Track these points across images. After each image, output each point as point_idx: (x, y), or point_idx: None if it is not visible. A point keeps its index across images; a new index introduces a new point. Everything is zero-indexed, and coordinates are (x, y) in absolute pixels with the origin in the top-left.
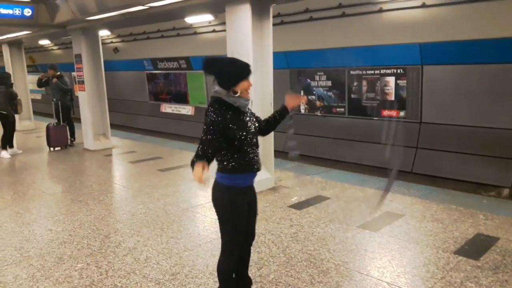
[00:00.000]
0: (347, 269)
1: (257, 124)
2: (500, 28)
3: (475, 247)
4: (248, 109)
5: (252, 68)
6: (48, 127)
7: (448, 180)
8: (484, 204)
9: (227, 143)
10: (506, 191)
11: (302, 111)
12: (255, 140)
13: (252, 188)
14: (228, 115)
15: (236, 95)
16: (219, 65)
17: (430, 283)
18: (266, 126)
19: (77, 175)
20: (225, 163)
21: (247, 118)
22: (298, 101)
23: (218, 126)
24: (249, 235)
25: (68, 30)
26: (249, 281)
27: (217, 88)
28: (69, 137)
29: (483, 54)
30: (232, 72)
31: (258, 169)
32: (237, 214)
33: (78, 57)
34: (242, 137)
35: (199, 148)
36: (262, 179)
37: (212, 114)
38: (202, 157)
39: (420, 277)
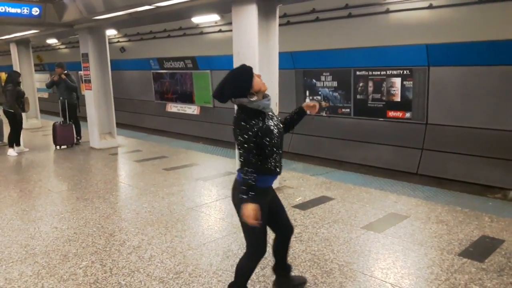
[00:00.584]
0: (351, 270)
1: (281, 125)
2: (507, 30)
3: (480, 249)
4: (270, 109)
5: (256, 69)
6: (54, 126)
7: (454, 181)
8: (489, 206)
9: (258, 148)
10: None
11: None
12: (279, 142)
13: (271, 188)
14: (255, 124)
15: (255, 98)
16: (227, 84)
17: (434, 285)
18: (285, 126)
19: (83, 174)
20: (249, 163)
21: (271, 122)
22: (314, 110)
23: (251, 141)
24: (285, 229)
25: (76, 29)
26: (288, 269)
27: (237, 100)
28: (75, 135)
29: (490, 55)
30: (240, 79)
31: (279, 172)
32: (261, 216)
33: (85, 56)
34: (267, 142)
35: (245, 171)
36: None
37: (244, 131)
38: (249, 180)
39: (424, 279)
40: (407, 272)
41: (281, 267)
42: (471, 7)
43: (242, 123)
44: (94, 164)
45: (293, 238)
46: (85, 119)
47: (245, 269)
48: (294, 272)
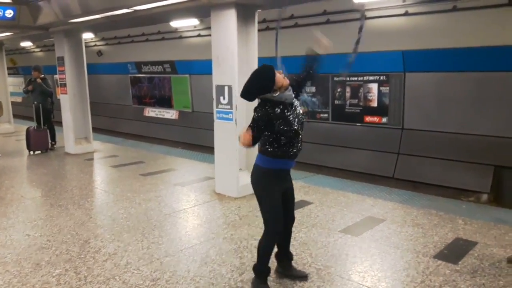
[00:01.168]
0: (329, 273)
1: (302, 116)
2: (480, 37)
3: (454, 252)
4: (295, 100)
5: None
6: (28, 131)
7: (429, 185)
8: (463, 209)
9: (274, 132)
10: (485, 197)
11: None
12: (297, 132)
13: (287, 173)
14: (272, 112)
15: (278, 93)
16: (252, 85)
17: (410, 287)
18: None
19: (58, 180)
20: (266, 146)
21: (291, 113)
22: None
23: (262, 123)
24: (288, 218)
25: (51, 32)
26: (290, 256)
27: (261, 97)
28: (49, 140)
29: (464, 62)
30: (264, 78)
31: (294, 157)
32: (272, 195)
33: (61, 59)
34: (285, 130)
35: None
36: (246, 184)
37: (257, 112)
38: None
39: (400, 281)
40: (384, 275)
41: (284, 254)
42: (445, 14)
43: (265, 107)
44: (69, 169)
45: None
46: (60, 124)
47: (265, 248)
48: (272, 277)
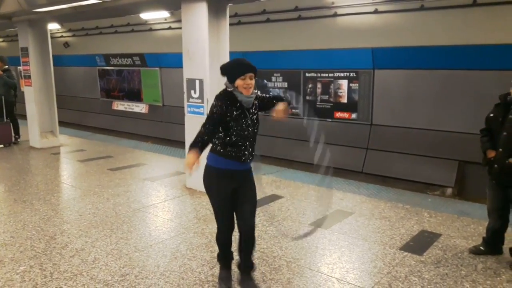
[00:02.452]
0: (298, 266)
1: (256, 121)
2: (446, 36)
3: (419, 243)
4: (254, 104)
5: (206, 67)
6: None
7: (397, 180)
8: (429, 202)
9: (223, 130)
10: (449, 191)
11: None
12: (249, 134)
13: (238, 174)
14: (229, 107)
15: (233, 89)
16: (227, 64)
17: (377, 278)
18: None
19: (22, 174)
20: (216, 145)
21: (248, 115)
22: (280, 116)
23: (216, 115)
24: (242, 221)
25: (14, 22)
26: (249, 265)
27: (225, 81)
28: (13, 134)
29: (432, 60)
30: (231, 69)
31: (244, 160)
32: (217, 195)
33: (25, 50)
34: (234, 129)
35: (199, 133)
36: None
37: (213, 104)
38: (197, 142)
39: (367, 273)
40: (352, 266)
41: (242, 261)
42: (413, 13)
43: (216, 100)
44: (34, 164)
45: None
46: (24, 117)
47: (218, 242)
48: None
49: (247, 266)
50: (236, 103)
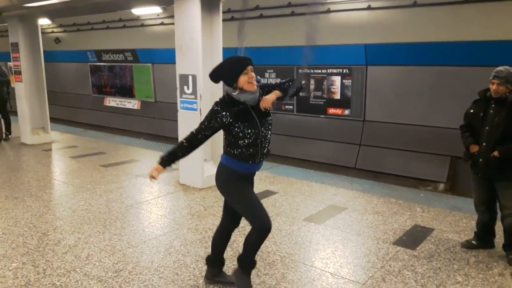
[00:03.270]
0: (293, 260)
1: (266, 116)
2: (440, 32)
3: (412, 238)
4: (260, 99)
5: (199, 63)
6: None
7: (389, 175)
8: (421, 197)
9: (230, 135)
10: (441, 186)
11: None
12: (261, 133)
13: (250, 176)
14: (236, 113)
15: (238, 92)
16: (219, 69)
17: (371, 272)
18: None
19: (13, 171)
20: (230, 148)
21: (256, 114)
22: (265, 105)
23: (215, 124)
24: (233, 219)
25: (4, 16)
26: (223, 261)
27: (225, 87)
28: (3, 130)
29: (424, 56)
30: (228, 70)
31: (259, 161)
32: (242, 189)
33: (15, 45)
34: (250, 134)
35: (192, 134)
36: (211, 175)
37: (212, 112)
38: (175, 155)
39: (361, 267)
40: (346, 261)
41: (218, 259)
42: (406, 9)
43: (216, 107)
44: (25, 160)
45: (237, 232)
46: (14, 113)
47: (253, 245)
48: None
49: (223, 261)
50: (239, 106)
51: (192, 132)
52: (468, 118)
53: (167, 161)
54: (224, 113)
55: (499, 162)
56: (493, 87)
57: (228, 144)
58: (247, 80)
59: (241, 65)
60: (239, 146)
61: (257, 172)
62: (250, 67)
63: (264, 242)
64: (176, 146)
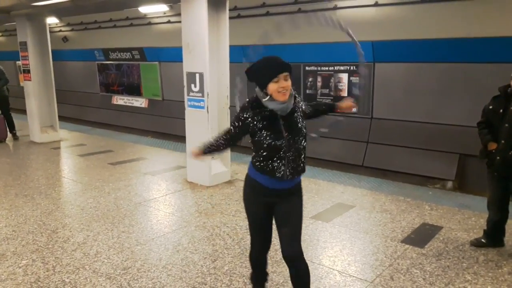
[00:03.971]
0: None
1: (298, 128)
2: (448, 29)
3: (421, 236)
4: (295, 109)
5: (206, 61)
6: None
7: (397, 173)
8: (429, 195)
9: (252, 142)
10: (450, 184)
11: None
12: (287, 146)
13: (275, 192)
14: (259, 119)
15: (267, 98)
16: (253, 68)
17: (379, 271)
18: (314, 114)
19: (22, 169)
20: (254, 159)
21: (284, 123)
22: (349, 109)
23: (238, 127)
24: (283, 245)
25: (12, 16)
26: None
27: (256, 88)
28: (7, 129)
29: (432, 53)
30: (260, 73)
31: (282, 178)
32: (249, 209)
33: (23, 44)
34: (265, 141)
35: (222, 136)
36: (218, 172)
37: (238, 113)
38: (211, 146)
39: (369, 265)
40: (354, 259)
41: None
42: (414, 6)
43: (241, 108)
44: (34, 158)
45: (244, 230)
46: (23, 111)
47: (250, 259)
48: (245, 264)
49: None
50: (265, 112)
51: (228, 128)
52: (487, 114)
53: (205, 149)
54: (246, 115)
55: None
56: None
57: (253, 153)
58: (277, 89)
59: (273, 71)
60: (259, 156)
61: None
62: (283, 75)
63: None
64: (215, 138)
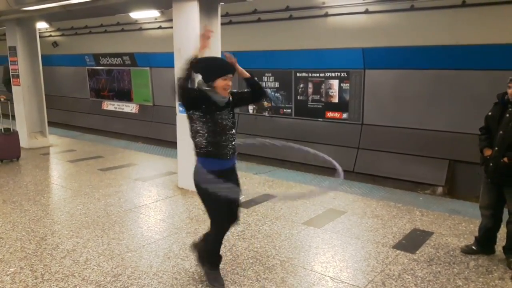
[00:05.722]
0: (292, 265)
1: (231, 118)
2: (437, 36)
3: (412, 242)
4: (228, 104)
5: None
6: None
7: (388, 179)
8: (420, 201)
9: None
10: (440, 189)
11: (250, 111)
12: (228, 131)
13: (229, 172)
14: (204, 100)
15: (210, 90)
16: (204, 62)
17: (371, 276)
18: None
19: (10, 175)
20: (200, 148)
21: (223, 113)
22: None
23: (198, 91)
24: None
25: (2, 20)
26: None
27: (199, 80)
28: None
29: (422, 60)
30: (212, 69)
31: (228, 156)
32: (210, 195)
33: (13, 49)
34: (209, 125)
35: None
36: None
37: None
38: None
39: (361, 271)
40: (345, 265)
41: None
42: (404, 13)
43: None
44: (23, 164)
45: (235, 236)
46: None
47: (211, 243)
48: (237, 270)
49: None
50: (211, 102)
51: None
52: (487, 121)
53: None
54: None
55: (508, 168)
56: (510, 91)
57: (198, 144)
58: (223, 86)
59: (226, 70)
60: (206, 141)
61: (255, 176)
62: (230, 76)
63: (264, 246)
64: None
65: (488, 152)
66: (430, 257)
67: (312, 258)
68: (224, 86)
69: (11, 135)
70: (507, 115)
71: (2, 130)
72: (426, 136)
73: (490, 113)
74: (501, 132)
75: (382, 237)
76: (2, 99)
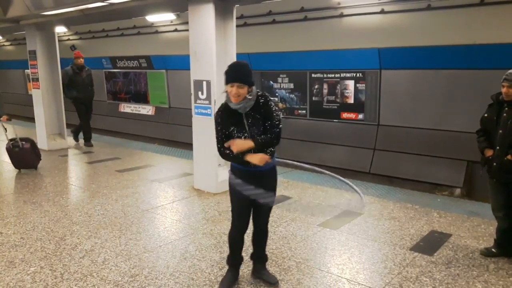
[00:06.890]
0: (308, 266)
1: (261, 127)
2: (454, 36)
3: (430, 244)
4: (256, 109)
5: (213, 69)
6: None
7: (405, 180)
8: (438, 202)
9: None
10: (458, 191)
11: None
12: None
13: (256, 174)
14: (226, 116)
15: (227, 96)
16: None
17: (388, 279)
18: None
19: (30, 176)
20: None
21: (249, 120)
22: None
23: (218, 125)
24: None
25: (22, 25)
26: (263, 258)
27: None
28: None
29: (438, 60)
30: (225, 73)
31: (250, 164)
32: (233, 194)
33: (33, 53)
34: (239, 135)
35: (218, 145)
36: (225, 179)
37: (215, 115)
38: (219, 150)
39: (378, 273)
40: (362, 267)
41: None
42: (420, 13)
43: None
44: (42, 166)
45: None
46: (32, 119)
47: (228, 239)
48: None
49: (265, 258)
50: (231, 111)
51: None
52: (484, 123)
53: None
54: (217, 114)
55: None
56: (504, 90)
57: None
58: (231, 93)
59: (229, 78)
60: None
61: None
62: (236, 84)
63: (279, 247)
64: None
65: (489, 152)
66: (449, 260)
67: (328, 260)
68: (231, 93)
69: (20, 150)
70: (504, 114)
71: (11, 145)
72: (444, 136)
73: (486, 115)
74: (500, 131)
75: (399, 239)
76: (5, 119)
